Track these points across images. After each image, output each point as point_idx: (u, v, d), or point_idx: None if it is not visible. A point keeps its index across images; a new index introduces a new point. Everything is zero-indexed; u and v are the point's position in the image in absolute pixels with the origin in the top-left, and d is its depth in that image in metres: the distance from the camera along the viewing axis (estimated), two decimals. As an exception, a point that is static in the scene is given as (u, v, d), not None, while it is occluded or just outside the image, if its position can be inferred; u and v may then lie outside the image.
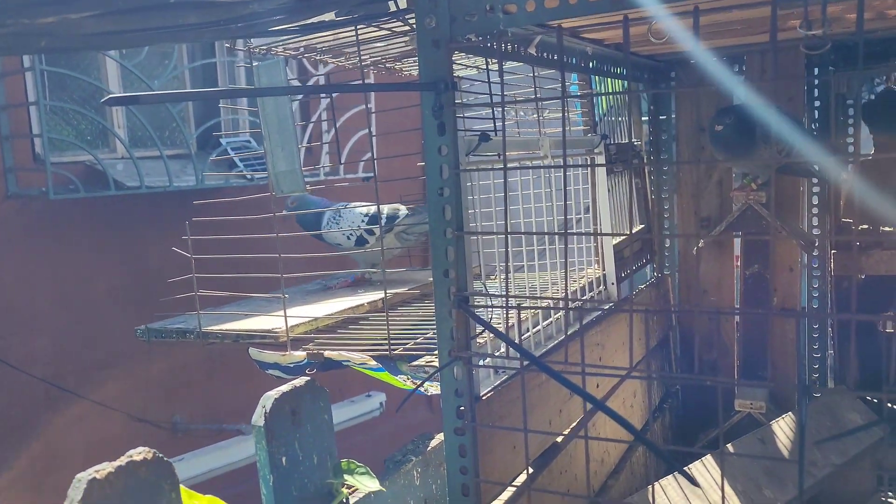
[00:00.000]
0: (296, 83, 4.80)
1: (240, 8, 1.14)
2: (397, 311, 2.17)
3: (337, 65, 2.34)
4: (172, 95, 1.45)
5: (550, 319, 2.02)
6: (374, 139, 1.60)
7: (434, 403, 6.34)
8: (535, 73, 1.90)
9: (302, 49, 1.86)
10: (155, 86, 4.38)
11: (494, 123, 1.70)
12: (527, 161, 1.82)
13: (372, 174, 5.18)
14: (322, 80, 5.07)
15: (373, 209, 2.46)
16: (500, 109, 1.57)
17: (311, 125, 5.17)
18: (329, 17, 1.54)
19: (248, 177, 4.65)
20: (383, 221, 2.40)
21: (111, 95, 0.99)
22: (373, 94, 4.69)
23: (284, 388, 1.41)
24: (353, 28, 1.58)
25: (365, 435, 5.40)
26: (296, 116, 5.25)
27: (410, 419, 5.92)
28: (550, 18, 1.32)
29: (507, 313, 1.42)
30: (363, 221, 2.37)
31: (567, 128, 2.38)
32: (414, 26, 1.74)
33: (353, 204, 2.51)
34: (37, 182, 4.03)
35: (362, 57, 2.01)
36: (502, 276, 2.58)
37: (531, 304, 1.83)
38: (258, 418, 1.38)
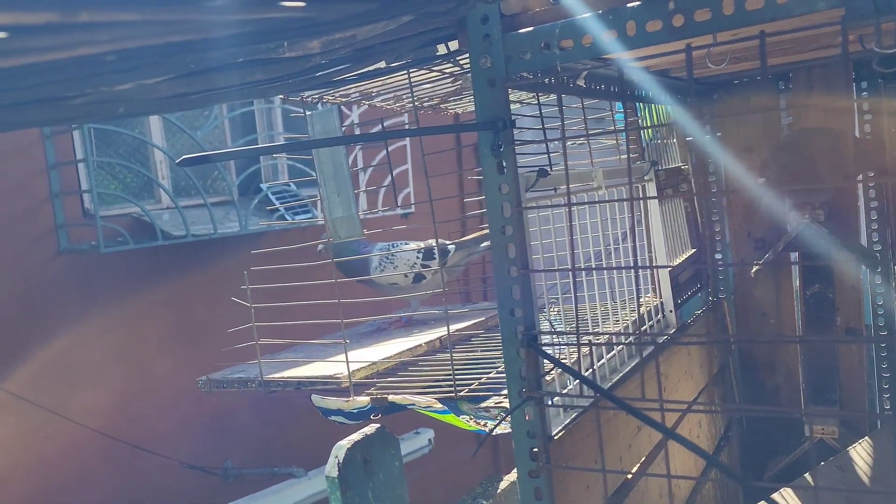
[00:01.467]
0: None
1: (304, 62, 1.15)
2: (456, 350, 2.15)
3: (378, 106, 2.36)
4: (241, 152, 1.48)
5: (613, 352, 1.99)
6: (429, 180, 1.59)
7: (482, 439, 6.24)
8: (584, 105, 1.89)
9: (354, 95, 1.88)
10: (197, 136, 4.48)
11: (549, 158, 1.69)
12: (582, 194, 1.80)
13: (410, 211, 5.20)
14: (356, 121, 5.14)
15: (423, 245, 2.45)
16: (555, 144, 1.56)
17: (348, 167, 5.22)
18: (382, 62, 1.56)
19: (290, 220, 4.71)
20: (436, 255, 2.39)
21: (185, 157, 1.00)
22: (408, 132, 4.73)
23: (355, 436, 1.39)
24: (405, 72, 1.60)
25: (415, 472, 5.34)
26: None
27: (458, 456, 5.85)
28: (608, 52, 1.31)
29: (579, 350, 1.39)
30: (418, 258, 2.37)
31: (616, 157, 2.36)
32: (464, 67, 1.75)
33: (399, 243, 2.51)
34: (87, 236, 4.12)
35: (410, 99, 2.02)
36: (555, 309, 2.54)
37: (601, 340, 1.79)
38: (331, 469, 1.36)
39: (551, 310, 2.62)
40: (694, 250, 2.79)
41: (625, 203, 2.49)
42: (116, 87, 0.90)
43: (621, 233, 2.34)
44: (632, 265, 1.39)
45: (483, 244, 2.58)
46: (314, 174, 4.73)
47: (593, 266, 1.76)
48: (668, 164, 2.64)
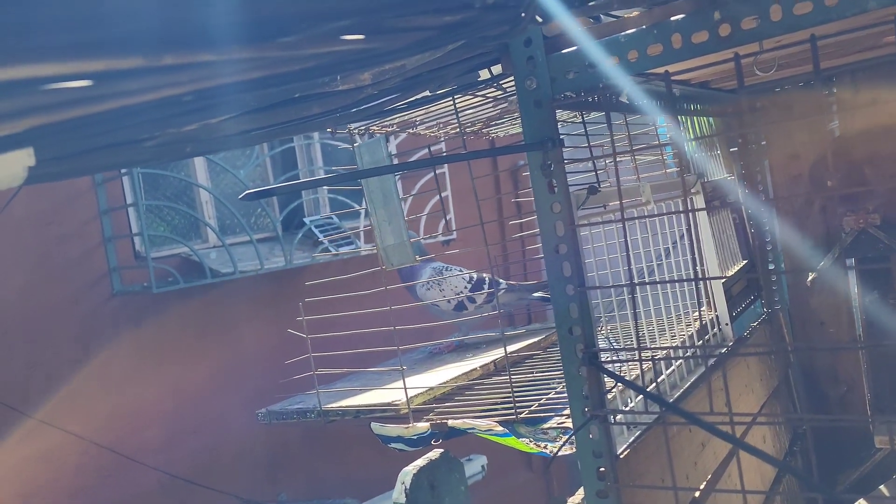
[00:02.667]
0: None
1: (357, 93, 1.18)
2: (512, 372, 2.14)
3: (417, 134, 2.39)
4: (303, 184, 1.51)
5: (673, 367, 1.96)
6: (479, 203, 1.60)
7: (535, 464, 6.17)
8: (627, 120, 1.89)
9: (399, 124, 1.91)
10: (241, 175, 4.59)
11: (597, 175, 1.69)
12: (631, 209, 1.80)
13: (452, 237, 5.22)
14: (394, 151, 5.21)
15: (474, 275, 2.46)
16: (603, 161, 1.57)
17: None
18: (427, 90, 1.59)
19: (334, 252, 4.77)
20: (485, 290, 2.40)
21: (249, 191, 1.03)
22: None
23: (420, 462, 1.40)
24: (450, 99, 1.62)
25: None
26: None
27: (512, 480, 5.78)
28: (654, 66, 1.31)
29: (641, 365, 1.38)
30: (466, 287, 2.38)
31: (662, 171, 2.35)
32: (507, 90, 1.77)
33: (454, 268, 2.53)
34: (139, 278, 4.23)
35: (454, 125, 2.05)
36: (610, 327, 2.52)
37: (663, 355, 1.77)
38: (399, 495, 1.36)
39: (604, 327, 2.60)
40: (746, 261, 2.75)
41: (674, 217, 2.47)
42: (183, 129, 0.94)
43: (671, 246, 2.32)
44: (686, 278, 1.37)
45: (536, 294, 2.57)
46: (356, 206, 4.80)
47: (647, 281, 1.74)
48: (713, 175, 2.62)
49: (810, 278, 2.65)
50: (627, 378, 1.84)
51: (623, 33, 1.33)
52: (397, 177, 5.18)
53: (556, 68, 1.40)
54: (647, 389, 1.81)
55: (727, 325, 2.28)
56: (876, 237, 2.29)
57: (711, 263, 2.27)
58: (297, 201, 5.02)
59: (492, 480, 5.47)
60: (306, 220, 4.90)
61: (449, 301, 2.40)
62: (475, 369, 2.12)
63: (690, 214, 2.29)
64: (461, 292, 2.33)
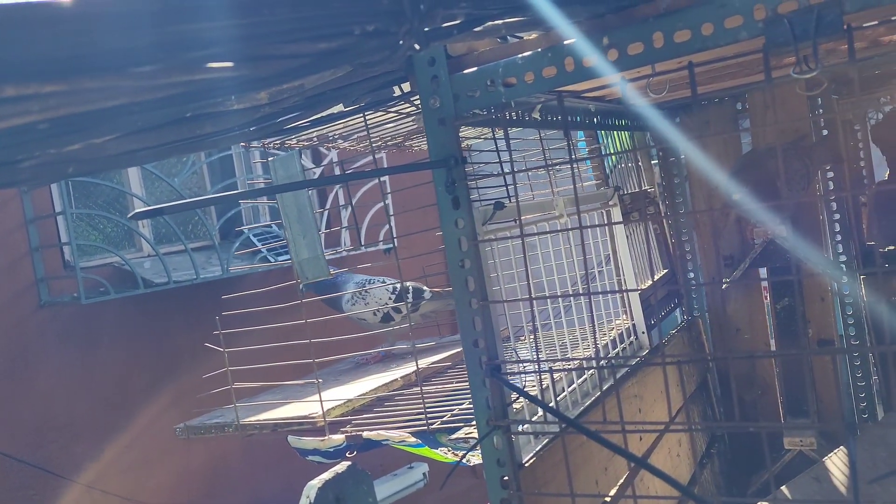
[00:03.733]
0: (311, 169, 4.93)
1: (253, 112, 1.19)
2: (431, 383, 2.17)
3: (349, 148, 2.41)
4: (194, 203, 1.51)
5: (585, 377, 2.01)
6: (392, 218, 1.63)
7: (478, 471, 6.21)
8: (542, 136, 1.94)
9: (316, 139, 1.92)
10: (175, 183, 4.52)
11: (507, 190, 1.73)
12: (544, 223, 1.85)
13: (391, 246, 5.25)
14: (335, 160, 5.20)
15: (398, 285, 2.48)
16: (496, 177, 1.61)
17: (328, 204, 5.27)
18: (339, 107, 1.61)
19: (272, 261, 4.73)
20: (410, 299, 2.42)
21: (137, 211, 1.04)
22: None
23: (326, 475, 1.41)
24: (362, 115, 1.65)
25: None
26: (313, 198, 5.38)
27: (456, 488, 5.81)
28: (549, 87, 1.36)
29: (539, 377, 1.42)
30: (390, 299, 2.40)
31: (580, 184, 2.41)
32: (419, 107, 1.80)
33: (377, 279, 2.54)
34: (68, 288, 4.13)
35: (374, 139, 2.07)
36: (530, 338, 2.57)
37: (562, 366, 1.82)
38: (303, 509, 1.38)
39: (525, 339, 2.65)
40: (666, 271, 2.84)
41: (590, 231, 2.54)
42: (65, 149, 0.94)
43: (604, 258, 2.38)
44: (592, 292, 1.43)
45: None
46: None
47: (546, 295, 1.79)
48: (633, 188, 2.70)
49: (724, 286, 2.75)
50: (542, 387, 1.88)
51: (520, 55, 1.37)
52: (339, 186, 5.17)
53: (459, 87, 1.44)
54: (558, 399, 1.86)
55: (643, 333, 2.36)
56: (783, 247, 2.40)
57: (628, 274, 2.34)
58: (236, 210, 4.97)
59: (434, 489, 5.49)
60: (244, 228, 4.86)
61: (375, 313, 2.42)
62: (396, 380, 2.14)
63: (608, 227, 2.36)
64: (386, 304, 2.35)
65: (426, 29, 1.00)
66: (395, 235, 1.74)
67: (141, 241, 4.67)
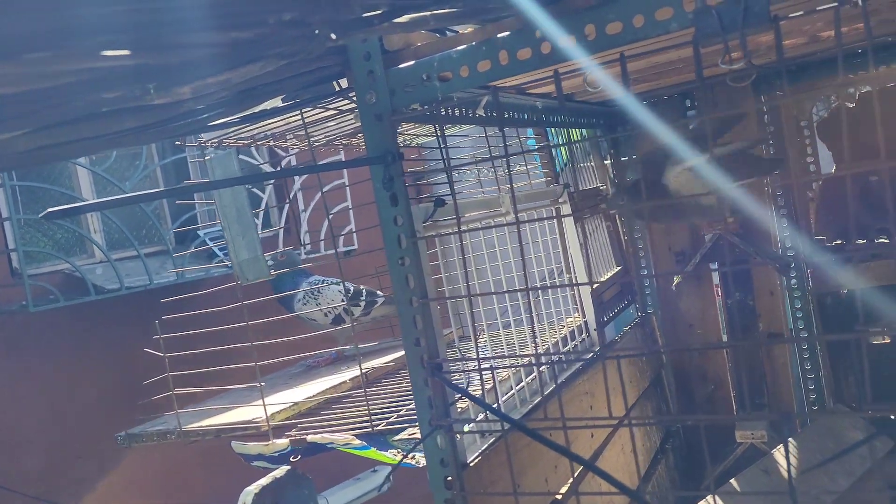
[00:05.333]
0: (268, 168, 4.86)
1: (176, 108, 1.16)
2: (381, 385, 2.14)
3: (302, 147, 2.37)
4: (115, 201, 1.46)
5: (534, 374, 2.00)
6: (329, 217, 1.60)
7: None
8: (487, 133, 1.93)
9: (254, 137, 1.88)
10: (126, 187, 4.42)
11: (452, 187, 1.71)
12: (489, 220, 1.83)
13: (352, 248, 5.20)
14: (294, 162, 5.14)
15: (351, 287, 2.45)
16: (453, 173, 1.59)
17: (286, 206, 5.20)
18: (274, 103, 1.57)
19: (229, 265, 4.66)
20: (363, 303, 2.39)
21: (50, 210, 0.99)
22: (345, 170, 4.74)
23: (264, 480, 1.38)
24: (299, 112, 1.61)
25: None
26: (271, 197, 5.31)
27: (421, 490, 5.78)
28: (484, 81, 1.35)
29: (493, 375, 1.40)
30: (343, 300, 2.36)
31: (527, 182, 2.41)
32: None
33: (331, 280, 2.51)
34: (16, 297, 4.01)
35: (318, 137, 2.04)
36: (483, 337, 2.56)
37: (504, 364, 1.81)
38: (239, 515, 1.34)
39: (481, 336, 2.64)
40: (619, 268, 2.85)
41: (546, 226, 2.54)
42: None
43: (524, 256, 2.38)
44: (531, 287, 1.41)
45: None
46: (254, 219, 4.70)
47: (487, 292, 1.78)
48: (584, 185, 2.70)
49: (675, 282, 2.77)
50: (487, 386, 1.87)
51: (455, 49, 1.35)
52: (298, 189, 5.10)
53: (396, 82, 1.41)
54: (504, 398, 1.85)
55: (595, 330, 2.36)
56: (733, 243, 2.42)
57: (579, 271, 2.34)
58: (191, 212, 4.88)
59: (399, 492, 5.45)
60: (200, 231, 4.77)
61: (326, 314, 2.38)
62: (344, 382, 2.11)
63: (557, 223, 2.36)
64: (337, 305, 2.31)
65: (344, 19, 0.97)
66: (333, 235, 1.70)
67: (93, 248, 4.55)
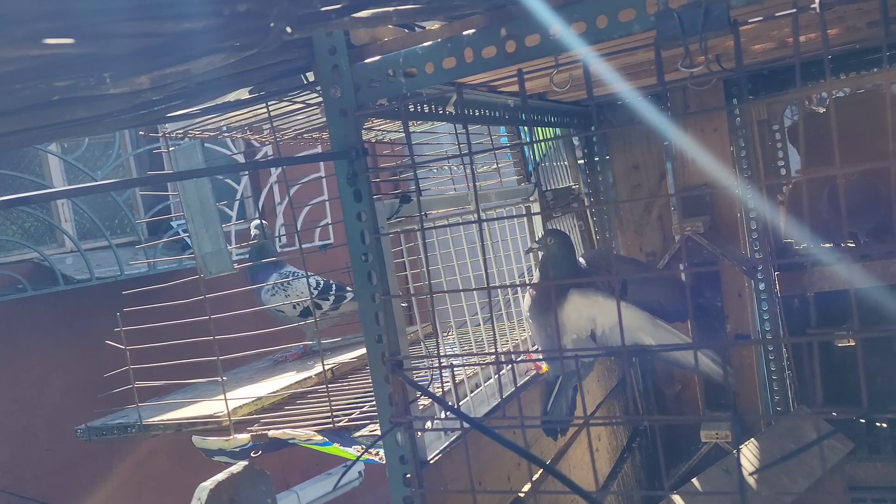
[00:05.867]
0: (242, 159, 4.82)
1: (133, 97, 1.14)
2: (347, 381, 2.13)
3: (270, 140, 2.35)
4: (71, 192, 1.43)
5: (503, 371, 2.00)
6: (294, 210, 1.58)
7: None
8: (457, 130, 1.92)
9: (222, 129, 1.86)
10: (98, 176, 4.36)
11: (417, 184, 1.71)
12: (456, 217, 1.83)
13: (329, 242, 5.17)
14: (270, 154, 5.10)
15: (321, 281, 2.43)
16: (431, 169, 1.58)
17: (262, 198, 5.16)
18: (239, 95, 1.56)
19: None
20: (332, 297, 2.38)
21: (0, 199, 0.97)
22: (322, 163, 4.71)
23: (220, 476, 1.36)
24: (265, 105, 1.60)
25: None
26: (247, 190, 5.27)
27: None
28: (450, 78, 1.34)
29: (441, 374, 1.40)
30: (312, 293, 2.35)
31: (498, 180, 2.41)
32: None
33: (302, 273, 2.48)
34: (-16, 285, 3.94)
35: (287, 130, 2.02)
36: (453, 333, 2.56)
37: (463, 363, 1.81)
38: (194, 511, 1.33)
39: (448, 334, 2.64)
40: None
41: (515, 224, 2.54)
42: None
43: (485, 253, 2.38)
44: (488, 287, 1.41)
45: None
46: (227, 210, 4.65)
47: (446, 290, 1.78)
48: (557, 184, 2.71)
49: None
50: (454, 382, 1.87)
51: (420, 45, 1.35)
52: (273, 183, 5.06)
53: (361, 77, 1.40)
54: (472, 395, 1.85)
55: (563, 328, 2.36)
56: (700, 244, 2.44)
57: (548, 269, 2.33)
58: (163, 204, 4.82)
59: (371, 487, 5.44)
60: (173, 223, 4.72)
61: (294, 306, 2.37)
62: (310, 378, 2.10)
63: (528, 222, 2.36)
64: (306, 298, 2.30)
65: (302, 12, 0.96)
66: (298, 230, 1.69)
67: (63, 237, 4.49)
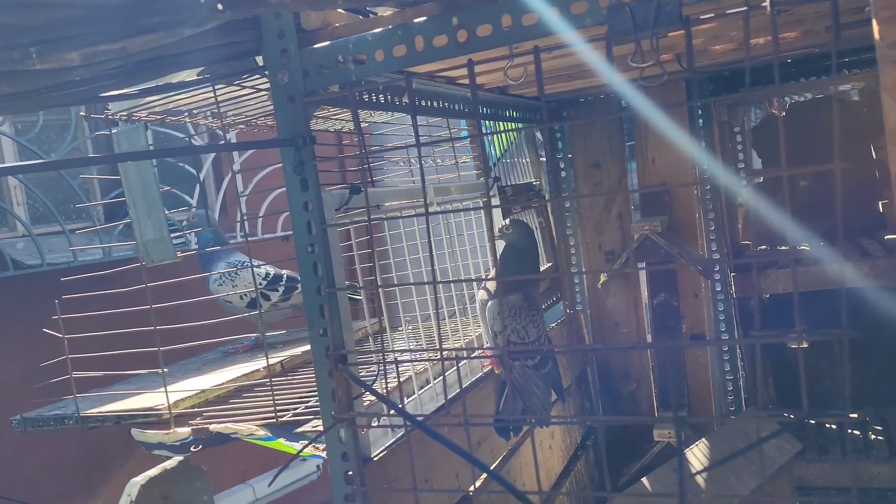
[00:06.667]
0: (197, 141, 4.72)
1: (62, 75, 1.09)
2: (297, 374, 2.09)
3: (215, 126, 2.28)
4: (16, 168, 1.37)
5: (454, 368, 1.98)
6: (239, 197, 1.53)
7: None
8: (429, 122, 1.88)
9: (171, 112, 1.81)
10: (52, 159, 4.23)
11: (371, 175, 1.67)
12: (409, 210, 1.80)
13: (290, 233, 5.10)
14: (234, 139, 5.00)
15: (272, 271, 2.38)
16: (381, 162, 1.55)
17: (223, 188, 5.06)
18: (186, 77, 1.50)
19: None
20: (282, 288, 2.32)
21: None
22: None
23: (153, 471, 1.32)
24: (211, 88, 1.55)
25: (303, 501, 5.17)
26: (209, 177, 5.17)
27: (352, 480, 5.72)
28: (400, 67, 1.30)
29: (385, 369, 1.37)
30: (261, 284, 2.29)
31: (457, 174, 2.38)
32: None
33: (255, 262, 2.43)
34: (-72, 270, 3.80)
35: (237, 117, 1.97)
36: (408, 329, 2.53)
37: (410, 358, 1.78)
38: (123, 508, 1.28)
39: (403, 329, 2.61)
40: (550, 263, 2.85)
41: (474, 219, 2.52)
42: None
43: (465, 250, 2.35)
44: (436, 282, 1.38)
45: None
46: (187, 196, 4.56)
47: (394, 284, 1.75)
48: (517, 180, 2.69)
49: (601, 281, 2.79)
50: (418, 375, 1.84)
51: (371, 32, 1.31)
52: (236, 173, 4.97)
53: (309, 62, 1.36)
54: (421, 391, 1.82)
55: (519, 325, 2.34)
56: (658, 243, 2.44)
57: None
58: (121, 189, 4.71)
59: (329, 480, 5.40)
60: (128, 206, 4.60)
61: (241, 297, 2.31)
62: (258, 370, 2.05)
63: (485, 217, 2.33)
64: (254, 289, 2.24)
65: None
66: (244, 218, 1.64)
67: (14, 221, 4.35)
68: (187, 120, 1.93)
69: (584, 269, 2.88)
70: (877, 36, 0.96)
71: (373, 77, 1.43)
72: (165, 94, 1.54)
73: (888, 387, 2.84)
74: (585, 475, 2.64)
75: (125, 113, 1.75)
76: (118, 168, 1.64)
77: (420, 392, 1.80)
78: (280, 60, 1.37)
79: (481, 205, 2.28)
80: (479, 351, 2.02)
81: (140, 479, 1.26)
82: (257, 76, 1.58)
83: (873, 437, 2.82)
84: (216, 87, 1.56)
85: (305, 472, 5.22)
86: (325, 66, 1.35)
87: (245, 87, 1.64)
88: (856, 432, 2.84)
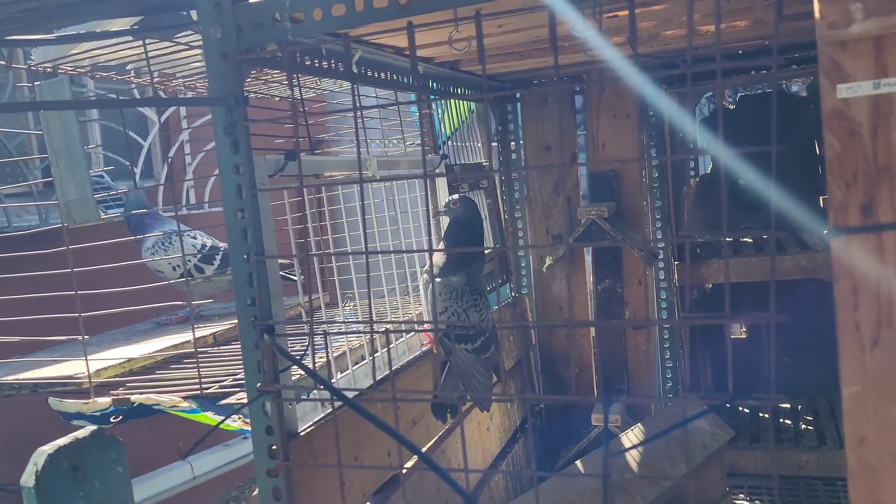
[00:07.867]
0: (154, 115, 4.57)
1: (-34, 12, 1.01)
2: (228, 347, 2.03)
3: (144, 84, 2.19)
4: None
5: (393, 345, 1.95)
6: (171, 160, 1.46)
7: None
8: (357, 90, 1.83)
9: (92, 66, 1.72)
10: (-14, 118, 4.04)
11: (310, 140, 1.62)
12: (345, 177, 1.75)
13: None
14: (183, 111, 4.86)
15: (209, 243, 2.30)
16: (304, 125, 1.50)
17: (170, 159, 4.91)
18: (115, 27, 1.42)
19: (104, 215, 4.35)
20: (217, 262, 2.25)
21: None
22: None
23: (63, 441, 1.25)
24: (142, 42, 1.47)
25: (245, 478, 5.11)
26: (156, 146, 5.01)
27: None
28: (338, 27, 1.26)
29: (311, 342, 1.33)
30: (195, 256, 2.22)
31: (403, 148, 2.33)
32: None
33: (190, 232, 2.35)
34: None
35: (169, 77, 1.89)
36: (353, 303, 2.48)
37: (340, 331, 1.74)
38: (28, 478, 1.22)
39: (350, 303, 2.57)
40: (498, 245, 2.83)
41: (419, 195, 2.48)
42: None
43: (365, 221, 2.32)
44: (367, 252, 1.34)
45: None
46: (128, 164, 4.40)
47: (322, 252, 1.70)
48: (467, 160, 2.66)
49: (546, 265, 2.78)
50: (353, 351, 1.80)
51: (309, -11, 1.25)
52: (186, 140, 4.83)
53: (244, 19, 1.30)
54: (356, 367, 1.78)
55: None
56: (603, 228, 2.44)
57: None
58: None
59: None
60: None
61: (174, 268, 2.24)
62: (187, 341, 1.99)
63: (430, 194, 2.30)
64: (189, 259, 2.17)
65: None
66: (174, 186, 1.56)
67: (-56, 183, 4.15)
68: (115, 76, 1.84)
69: (531, 255, 2.86)
70: (817, 14, 0.94)
71: (311, 37, 1.37)
72: (91, 44, 1.46)
73: (821, 379, 2.90)
74: (523, 457, 2.65)
75: (50, 65, 1.66)
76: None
77: (354, 368, 1.76)
78: (213, 15, 1.30)
79: (426, 181, 2.24)
80: (415, 328, 1.99)
81: (48, 447, 1.20)
82: (190, 32, 1.51)
83: (804, 426, 2.89)
84: (147, 42, 1.48)
85: (246, 450, 5.14)
86: (260, 24, 1.29)
87: (179, 44, 1.56)
88: (787, 422, 2.91)
